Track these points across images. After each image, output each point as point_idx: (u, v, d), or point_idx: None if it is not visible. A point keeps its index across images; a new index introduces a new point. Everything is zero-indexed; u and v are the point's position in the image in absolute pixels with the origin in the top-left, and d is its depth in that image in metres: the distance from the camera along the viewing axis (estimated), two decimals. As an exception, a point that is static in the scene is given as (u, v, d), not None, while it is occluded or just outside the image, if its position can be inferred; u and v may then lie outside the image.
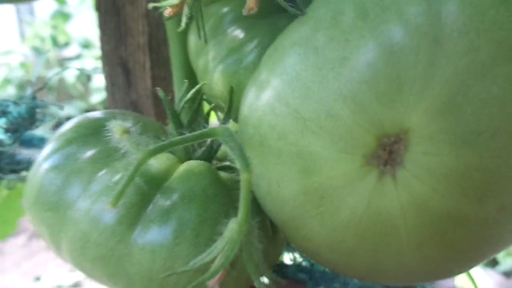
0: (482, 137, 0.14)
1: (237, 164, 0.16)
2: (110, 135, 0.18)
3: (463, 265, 0.17)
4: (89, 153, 0.19)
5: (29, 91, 0.36)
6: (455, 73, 0.14)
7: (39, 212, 0.20)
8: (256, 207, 0.18)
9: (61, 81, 1.81)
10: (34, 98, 0.36)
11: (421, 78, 0.14)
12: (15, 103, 0.35)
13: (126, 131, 0.17)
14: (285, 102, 0.16)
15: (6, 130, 0.35)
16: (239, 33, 0.23)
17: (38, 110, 0.35)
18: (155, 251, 0.18)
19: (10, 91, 1.75)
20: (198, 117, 0.22)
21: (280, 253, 0.21)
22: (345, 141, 0.15)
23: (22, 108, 0.35)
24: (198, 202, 0.18)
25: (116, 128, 0.17)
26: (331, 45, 0.15)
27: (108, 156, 0.19)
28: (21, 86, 1.76)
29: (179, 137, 0.17)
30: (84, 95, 1.87)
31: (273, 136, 0.17)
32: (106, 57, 0.33)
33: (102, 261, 0.18)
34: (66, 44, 1.86)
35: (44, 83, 0.33)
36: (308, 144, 0.16)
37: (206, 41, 0.21)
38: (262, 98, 0.17)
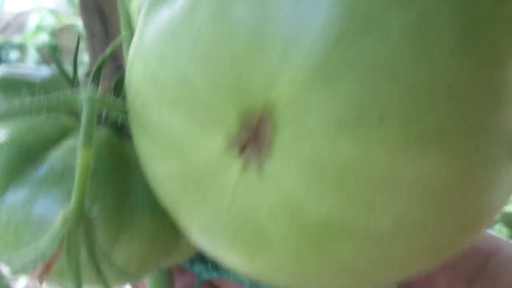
0: (365, 122, 0.10)
1: (80, 137, 0.12)
2: None
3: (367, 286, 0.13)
4: None
5: None
6: (330, 25, 0.09)
7: None
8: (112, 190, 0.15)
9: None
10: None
11: (286, 32, 0.10)
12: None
13: None
14: (144, 60, 0.13)
15: None
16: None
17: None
18: (17, 229, 0.15)
19: (43, 38, 1.77)
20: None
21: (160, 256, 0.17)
22: (203, 116, 0.12)
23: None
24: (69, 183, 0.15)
25: None
26: (192, 5, 0.11)
27: None
28: (53, 33, 1.77)
29: (15, 108, 0.13)
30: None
31: (138, 104, 0.13)
32: (83, 4, 0.31)
33: None
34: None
35: None
36: (166, 117, 0.12)
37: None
38: (135, 62, 0.14)
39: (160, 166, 0.13)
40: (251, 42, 0.10)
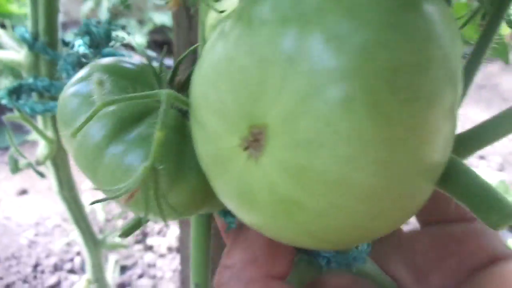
0: (313, 145, 0.17)
1: (157, 122, 0.21)
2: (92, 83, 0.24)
3: (316, 242, 0.20)
4: (89, 89, 0.26)
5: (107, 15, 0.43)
6: (299, 89, 0.17)
7: (60, 127, 0.27)
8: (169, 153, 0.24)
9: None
10: (109, 23, 0.44)
11: (275, 88, 0.17)
12: (96, 26, 0.43)
13: (100, 83, 0.23)
14: (202, 77, 0.20)
15: (89, 46, 0.43)
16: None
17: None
18: (117, 168, 0.24)
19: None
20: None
21: (185, 201, 0.26)
22: (229, 124, 0.19)
23: (101, 29, 0.43)
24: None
25: (95, 79, 0.23)
26: (229, 36, 0.19)
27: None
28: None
29: (127, 95, 0.22)
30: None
31: (195, 106, 0.21)
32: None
33: (86, 169, 0.26)
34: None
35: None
36: (209, 120, 0.20)
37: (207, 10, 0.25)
38: (200, 65, 0.21)
39: (203, 147, 0.21)
40: (258, 88, 0.17)
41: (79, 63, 0.44)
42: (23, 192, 1.63)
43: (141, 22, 2.01)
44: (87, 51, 0.43)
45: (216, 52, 0.20)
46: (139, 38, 1.82)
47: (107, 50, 0.46)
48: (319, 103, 0.16)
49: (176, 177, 0.24)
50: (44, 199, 1.59)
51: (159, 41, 2.08)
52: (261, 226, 0.21)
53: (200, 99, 0.21)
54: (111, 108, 0.25)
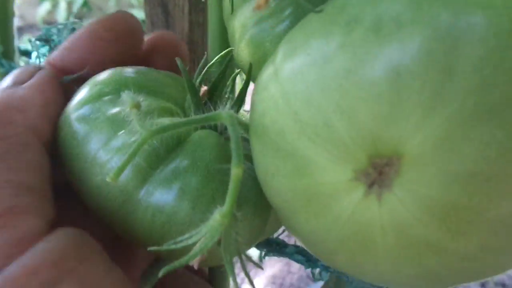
0: (475, 179, 0.13)
1: (232, 155, 0.16)
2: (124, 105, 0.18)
3: (438, 286, 0.17)
4: (113, 111, 0.20)
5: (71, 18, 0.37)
6: (460, 110, 0.13)
7: (63, 157, 0.21)
8: (246, 196, 0.19)
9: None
10: (73, 29, 0.38)
11: (423, 107, 0.13)
12: (58, 30, 0.36)
13: (136, 106, 0.17)
14: (287, 101, 0.16)
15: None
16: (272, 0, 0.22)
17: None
18: (156, 213, 0.19)
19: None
20: (220, 85, 0.22)
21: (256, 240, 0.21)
22: (338, 153, 0.15)
23: (63, 37, 0.36)
24: (199, 176, 0.19)
25: (128, 100, 0.18)
26: (338, 54, 0.15)
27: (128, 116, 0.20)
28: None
29: (182, 120, 0.17)
30: (142, 5, 1.88)
31: (273, 130, 0.17)
32: None
33: (111, 213, 0.20)
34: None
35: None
36: (303, 147, 0.16)
37: (233, 12, 0.21)
38: (270, 89, 0.17)
39: (284, 181, 0.17)
40: (393, 109, 0.13)
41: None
42: None
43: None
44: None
45: (309, 62, 0.15)
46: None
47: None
48: (492, 126, 0.13)
49: (253, 217, 0.19)
50: None
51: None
52: (372, 272, 0.17)
53: (287, 121, 0.16)
54: (135, 137, 0.19)
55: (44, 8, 1.78)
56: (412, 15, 0.13)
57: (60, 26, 0.35)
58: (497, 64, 0.12)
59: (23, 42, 0.48)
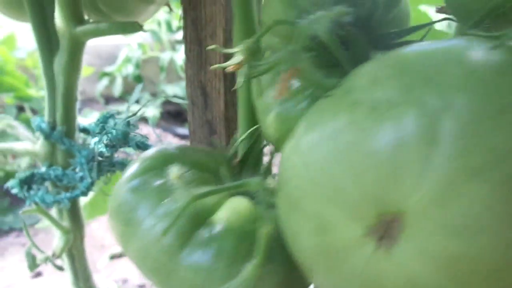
0: (468, 231, 0.15)
1: (261, 217, 0.19)
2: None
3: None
4: (159, 182, 0.24)
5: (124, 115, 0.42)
6: (447, 173, 0.15)
7: (116, 224, 0.25)
8: (275, 253, 0.21)
9: (172, 62, 1.96)
10: (128, 125, 0.43)
11: (417, 173, 0.16)
12: (114, 127, 0.42)
13: (180, 177, 0.21)
14: (307, 169, 0.19)
15: (106, 145, 0.42)
16: (295, 81, 0.26)
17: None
18: (197, 271, 0.22)
19: (130, 69, 1.96)
20: (250, 157, 0.26)
21: None
22: (352, 212, 0.17)
23: (119, 132, 0.42)
24: (236, 236, 0.22)
25: (173, 172, 0.21)
26: (345, 130, 0.18)
27: (172, 186, 0.23)
28: (138, 65, 1.96)
29: (218, 187, 0.20)
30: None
31: (297, 195, 0.20)
32: (189, 80, 0.38)
33: (155, 271, 0.23)
34: (179, 29, 2.01)
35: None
36: (323, 208, 0.18)
37: (260, 94, 0.24)
38: (292, 159, 0.20)
39: (304, 239, 0.19)
40: (394, 175, 0.16)
41: (92, 158, 0.43)
42: (38, 274, 1.53)
43: (154, 95, 2.06)
44: (103, 150, 0.42)
45: (323, 136, 0.18)
46: (152, 110, 1.86)
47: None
48: (477, 185, 0.15)
49: (282, 273, 0.22)
50: (59, 281, 1.48)
51: (172, 111, 2.11)
52: None
53: (305, 186, 0.19)
54: (178, 204, 0.23)
55: (103, 84, 1.95)
56: (403, 97, 0.16)
57: (117, 120, 0.41)
58: (474, 133, 0.15)
59: (83, 115, 0.54)
